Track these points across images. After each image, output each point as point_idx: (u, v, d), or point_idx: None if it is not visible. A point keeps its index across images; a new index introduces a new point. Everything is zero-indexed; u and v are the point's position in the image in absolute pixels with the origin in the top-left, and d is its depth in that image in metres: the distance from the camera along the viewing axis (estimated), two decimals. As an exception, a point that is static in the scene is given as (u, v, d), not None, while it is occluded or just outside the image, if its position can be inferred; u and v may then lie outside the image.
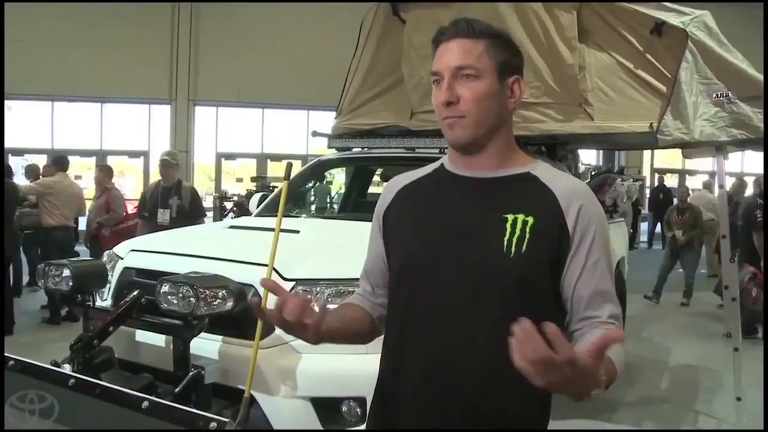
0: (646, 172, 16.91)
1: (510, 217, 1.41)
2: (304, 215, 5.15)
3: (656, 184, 16.03)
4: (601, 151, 13.30)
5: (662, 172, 17.00)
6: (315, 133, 5.51)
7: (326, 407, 2.77)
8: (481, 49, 1.42)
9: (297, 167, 4.60)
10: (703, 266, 11.73)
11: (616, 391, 5.13)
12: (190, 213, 6.14)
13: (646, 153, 14.65)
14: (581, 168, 8.25)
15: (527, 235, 1.39)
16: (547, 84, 4.17)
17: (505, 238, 1.39)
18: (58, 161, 7.77)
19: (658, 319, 8.30)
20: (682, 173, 17.70)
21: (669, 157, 16.03)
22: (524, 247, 1.39)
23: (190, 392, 2.67)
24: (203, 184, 17.72)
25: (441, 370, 1.42)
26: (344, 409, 2.77)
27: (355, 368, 2.79)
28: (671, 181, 17.15)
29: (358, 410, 2.76)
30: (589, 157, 12.80)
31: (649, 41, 3.97)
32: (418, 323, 1.46)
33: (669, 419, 4.74)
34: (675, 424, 4.65)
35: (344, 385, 2.79)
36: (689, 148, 4.49)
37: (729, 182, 10.26)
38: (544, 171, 1.49)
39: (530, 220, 1.40)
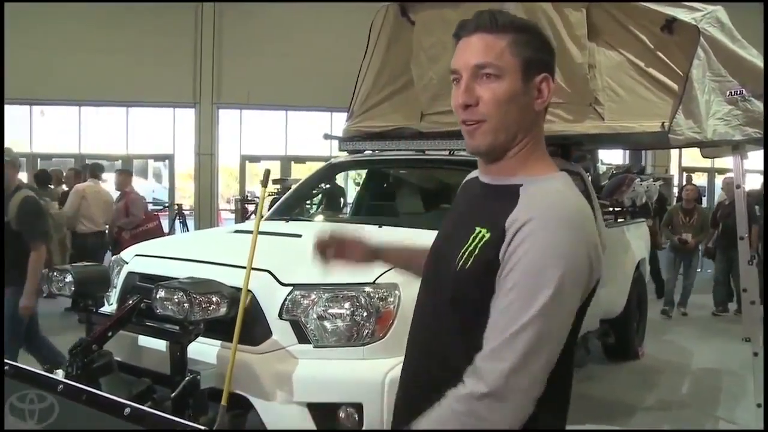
0: (674, 170, 16.57)
1: (477, 230, 1.31)
2: (318, 218, 5.15)
3: (684, 183, 15.71)
4: (627, 151, 13.06)
5: (690, 170, 16.64)
6: (326, 136, 5.51)
7: (323, 413, 2.75)
8: (503, 45, 1.29)
9: (303, 171, 4.57)
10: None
11: (634, 395, 5.04)
12: (18, 234, 4.20)
13: (674, 151, 14.36)
14: (602, 168, 8.13)
15: (476, 251, 1.29)
16: (557, 83, 4.09)
17: (460, 252, 1.31)
18: (94, 170, 8.16)
19: (678, 321, 8.13)
20: (711, 171, 17.34)
21: (698, 156, 15.69)
22: (469, 262, 1.29)
23: (186, 397, 2.67)
24: (229, 186, 17.92)
25: (410, 379, 1.46)
26: (341, 415, 2.75)
27: (352, 374, 2.79)
28: (700, 179, 16.81)
29: (356, 416, 2.74)
30: (615, 156, 12.53)
31: (660, 38, 3.87)
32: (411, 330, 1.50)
33: (688, 425, 4.63)
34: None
35: (341, 391, 2.77)
36: (704, 147, 4.38)
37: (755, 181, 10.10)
38: (536, 185, 1.31)
39: (486, 235, 1.28)
